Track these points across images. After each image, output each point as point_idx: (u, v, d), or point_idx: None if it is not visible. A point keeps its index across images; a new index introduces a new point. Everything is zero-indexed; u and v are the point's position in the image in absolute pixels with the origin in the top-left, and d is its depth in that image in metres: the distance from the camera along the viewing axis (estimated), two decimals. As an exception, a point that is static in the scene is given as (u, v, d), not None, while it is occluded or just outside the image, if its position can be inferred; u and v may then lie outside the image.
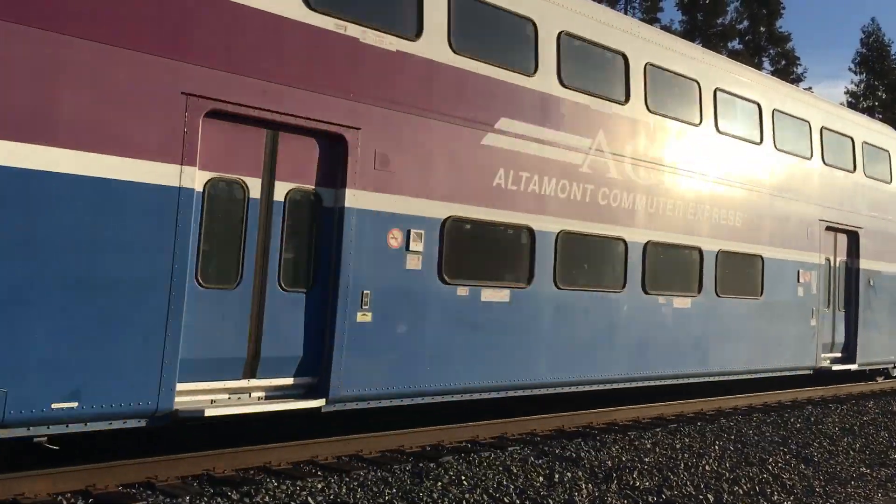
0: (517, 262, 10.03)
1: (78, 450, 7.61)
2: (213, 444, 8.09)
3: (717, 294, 12.70)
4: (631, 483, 7.80)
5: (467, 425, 9.76)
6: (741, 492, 7.83)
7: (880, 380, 17.34)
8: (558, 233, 10.37)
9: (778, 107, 14.46)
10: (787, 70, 50.17)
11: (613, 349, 11.14)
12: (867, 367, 16.57)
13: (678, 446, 9.58)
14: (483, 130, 9.64)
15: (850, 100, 59.09)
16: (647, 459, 8.74)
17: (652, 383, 11.86)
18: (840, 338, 15.96)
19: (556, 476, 7.82)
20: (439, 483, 7.36)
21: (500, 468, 8.01)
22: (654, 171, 11.84)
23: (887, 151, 17.67)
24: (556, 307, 10.39)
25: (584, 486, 7.58)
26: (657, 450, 9.31)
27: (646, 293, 11.58)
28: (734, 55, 47.81)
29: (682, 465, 8.62)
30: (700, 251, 12.45)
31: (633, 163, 11.51)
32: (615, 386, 11.29)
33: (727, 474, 8.40)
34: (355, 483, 7.24)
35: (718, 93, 13.12)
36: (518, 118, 10.04)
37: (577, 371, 10.69)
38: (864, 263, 16.33)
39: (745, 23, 49.64)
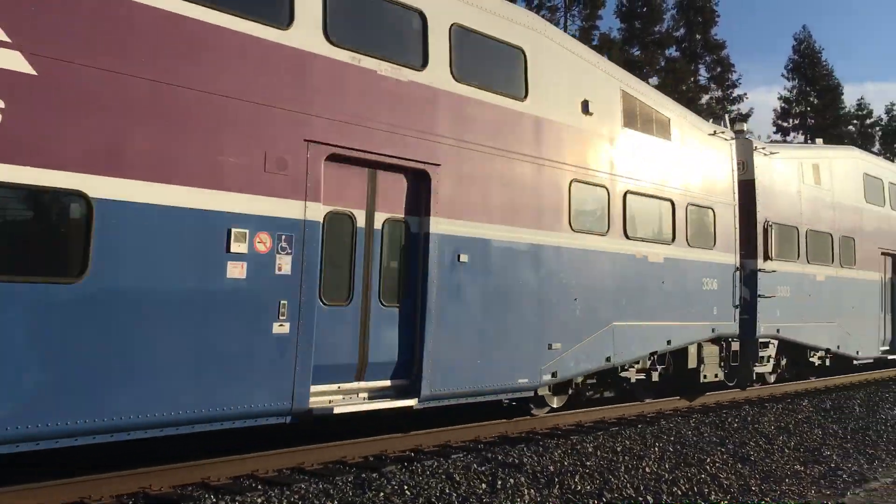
0: None
1: (6, 471, 7.37)
2: (150, 460, 7.91)
3: None
4: (573, 487, 7.88)
5: (410, 434, 9.75)
6: (679, 492, 7.97)
7: (539, 412, 11.71)
8: None
9: None
10: (723, 76, 51.44)
11: None
12: (453, 401, 9.83)
13: (619, 449, 9.70)
14: None
15: (783, 105, 60.88)
16: (588, 463, 8.83)
17: None
18: (386, 354, 9.16)
19: (499, 482, 7.85)
20: (381, 493, 7.32)
21: (443, 476, 8.01)
22: None
23: (519, 50, 10.75)
24: None
25: (526, 491, 7.63)
26: (598, 453, 9.41)
27: None
28: (671, 62, 48.91)
29: (623, 467, 8.73)
30: None
31: None
32: None
33: (666, 475, 8.53)
34: (296, 496, 7.16)
35: None
36: None
37: None
38: (444, 225, 9.52)
39: (682, 30, 50.72)
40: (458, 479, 7.92)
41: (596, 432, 10.91)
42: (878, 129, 68.48)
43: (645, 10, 48.87)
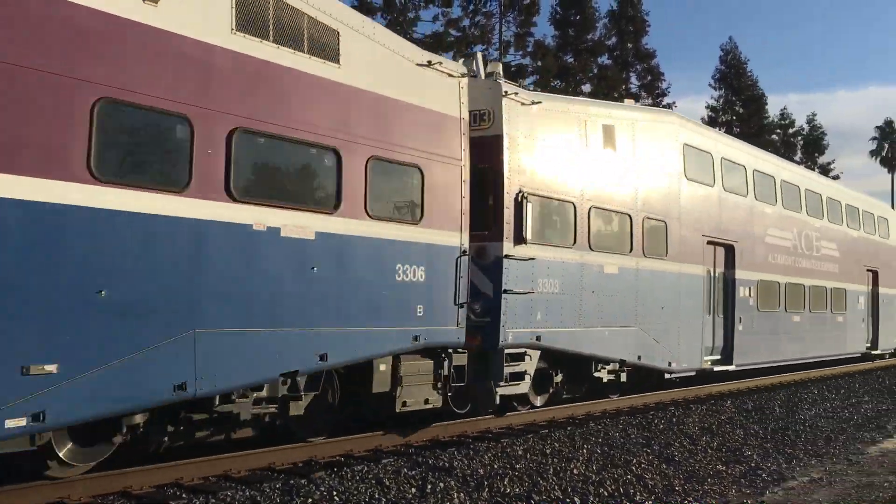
0: None
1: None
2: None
3: None
4: (502, 490, 7.93)
5: (341, 439, 9.68)
6: (606, 493, 8.10)
7: (69, 472, 7.42)
8: None
9: None
10: (653, 85, 52.64)
11: None
12: None
13: (548, 451, 9.81)
14: None
15: (710, 114, 62.62)
16: (518, 466, 8.91)
17: None
18: None
19: (429, 486, 7.86)
20: (310, 500, 7.26)
21: (373, 481, 7.98)
22: None
23: None
24: None
25: (455, 495, 7.65)
26: (528, 456, 9.50)
27: None
28: (603, 70, 49.84)
29: (552, 469, 8.83)
30: None
31: None
32: None
33: (594, 477, 8.66)
34: (222, 504, 7.04)
35: None
36: None
37: None
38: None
39: (614, 39, 51.76)
40: (387, 483, 7.90)
41: (526, 435, 11.00)
42: (799, 138, 71.12)
43: (578, 18, 49.72)
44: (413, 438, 10.44)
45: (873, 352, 25.70)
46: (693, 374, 15.86)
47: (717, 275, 16.74)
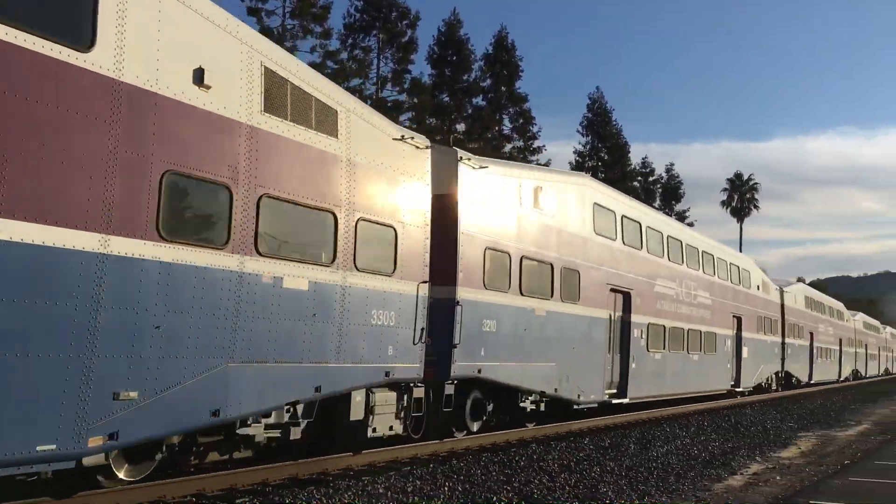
0: None
1: None
2: None
3: None
4: (360, 531, 7.76)
5: (192, 478, 9.23)
6: (465, 533, 8.06)
7: None
8: None
9: None
10: (525, 128, 54.26)
11: None
12: None
13: (410, 489, 9.70)
14: None
15: (577, 159, 65.16)
16: (378, 505, 8.75)
17: None
18: None
19: (284, 528, 7.59)
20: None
21: (225, 523, 7.63)
22: None
23: None
24: None
25: (311, 536, 7.41)
26: (390, 494, 9.36)
27: None
28: (478, 110, 51.04)
29: (412, 508, 8.73)
30: None
31: None
32: None
33: (454, 516, 8.62)
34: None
35: None
36: None
37: None
38: None
39: (489, 81, 53.10)
40: (240, 525, 7.57)
41: (388, 472, 10.86)
42: (658, 186, 75.12)
43: (455, 58, 50.75)
44: (270, 476, 10.09)
45: None
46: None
47: None
